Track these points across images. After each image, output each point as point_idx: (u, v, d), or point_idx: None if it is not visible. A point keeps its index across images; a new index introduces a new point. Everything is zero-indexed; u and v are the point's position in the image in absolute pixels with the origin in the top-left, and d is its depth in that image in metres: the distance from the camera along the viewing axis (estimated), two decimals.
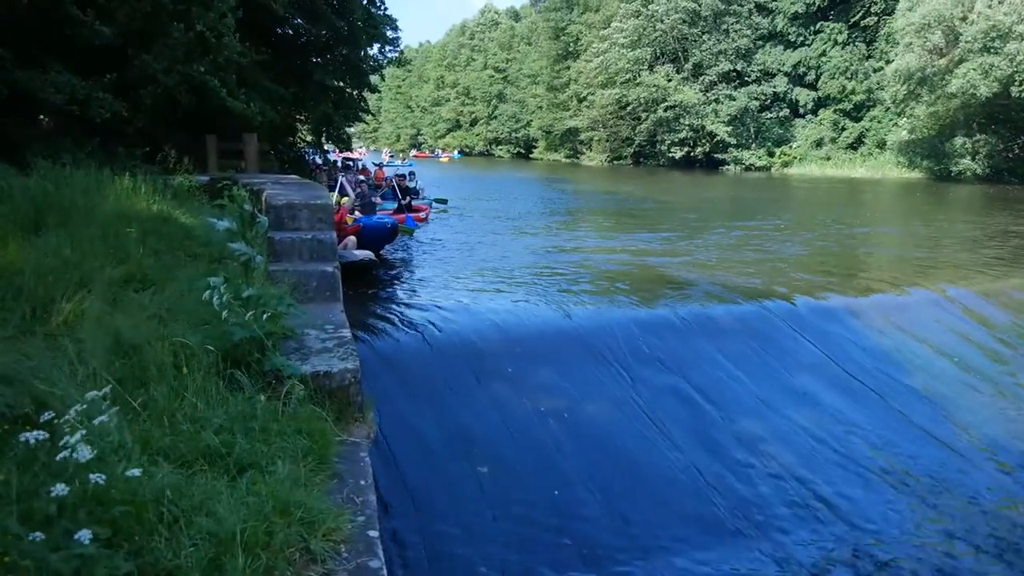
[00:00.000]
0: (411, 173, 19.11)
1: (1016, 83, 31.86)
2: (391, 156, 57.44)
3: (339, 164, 22.85)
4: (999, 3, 32.49)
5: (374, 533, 2.70)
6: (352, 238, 9.30)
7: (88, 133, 9.50)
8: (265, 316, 3.84)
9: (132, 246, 4.86)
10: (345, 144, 20.96)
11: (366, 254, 8.90)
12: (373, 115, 22.98)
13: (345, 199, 10.30)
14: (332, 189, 16.63)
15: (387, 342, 6.31)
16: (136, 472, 2.16)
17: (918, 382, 7.37)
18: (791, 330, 7.79)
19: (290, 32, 16.33)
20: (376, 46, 18.20)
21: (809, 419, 6.48)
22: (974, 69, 32.33)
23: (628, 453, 5.77)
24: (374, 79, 19.45)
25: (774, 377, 7.07)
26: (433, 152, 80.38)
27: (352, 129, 28.42)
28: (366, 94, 19.64)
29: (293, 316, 4.28)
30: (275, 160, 16.57)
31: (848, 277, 10.19)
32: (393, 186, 16.81)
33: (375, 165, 25.30)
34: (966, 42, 32.68)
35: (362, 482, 3.10)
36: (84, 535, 1.87)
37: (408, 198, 16.22)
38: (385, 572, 2.48)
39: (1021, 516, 5.54)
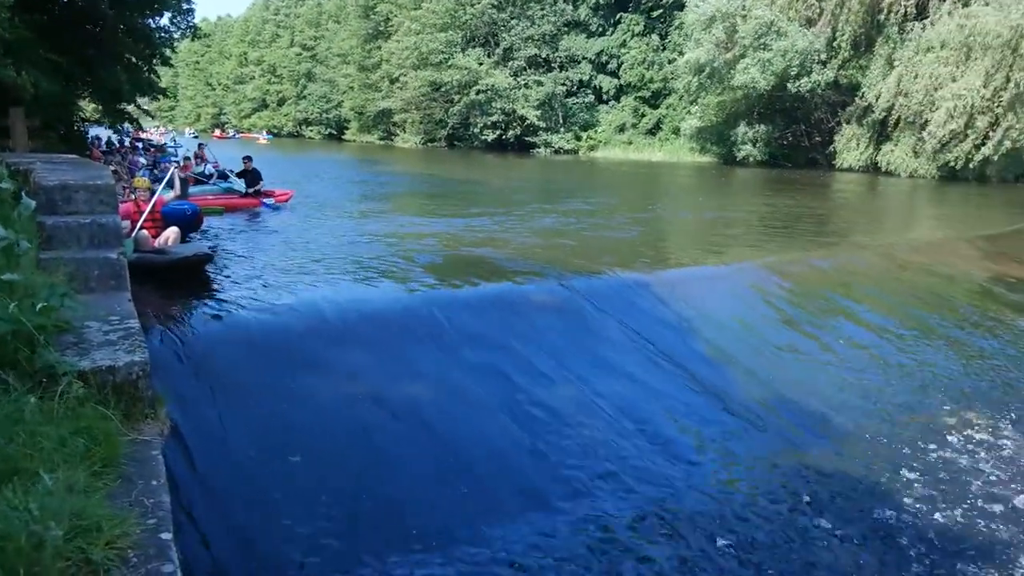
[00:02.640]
0: (187, 156, 17.78)
1: (791, 78, 35.36)
2: (195, 136, 53.86)
3: (127, 144, 20.99)
4: (771, 3, 35.84)
5: (167, 536, 2.51)
6: (175, 230, 8.23)
7: None
8: (36, 308, 3.45)
9: None
10: (135, 122, 19.28)
11: (197, 248, 7.74)
12: (166, 95, 21.02)
13: (140, 180, 8.98)
14: (131, 173, 15.20)
15: (188, 335, 5.89)
16: None
17: (711, 350, 7.97)
18: (597, 305, 8.14)
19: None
20: (167, 15, 16.87)
21: (615, 390, 6.82)
22: (752, 64, 35.47)
23: (447, 432, 5.78)
24: (167, 52, 18.00)
25: (583, 351, 7.35)
26: (228, 133, 75.96)
27: (146, 107, 26.22)
28: (159, 68, 18.18)
29: (70, 308, 3.88)
30: (52, 139, 14.93)
31: (649, 254, 10.83)
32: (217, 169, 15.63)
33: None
34: (741, 38, 35.76)
35: (154, 482, 2.88)
36: None
37: (260, 184, 14.90)
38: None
39: (803, 468, 6.15)
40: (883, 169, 33.95)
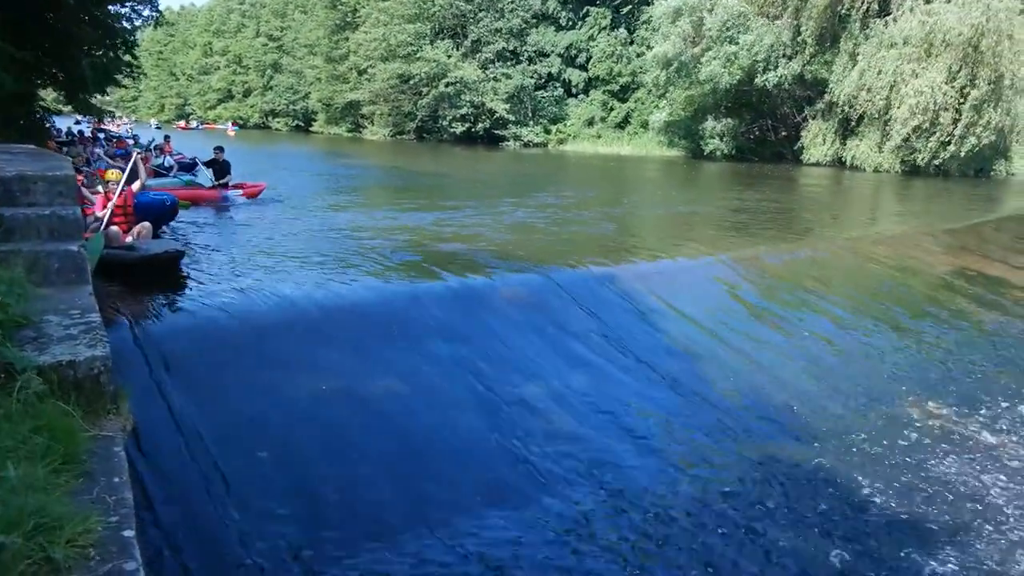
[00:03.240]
0: (151, 144, 17.41)
1: (757, 72, 35.68)
2: (157, 127, 53.17)
3: (87, 135, 20.52)
4: None
5: (130, 533, 2.46)
6: (147, 225, 7.98)
7: None
8: None
9: None
10: (96, 112, 18.81)
11: (169, 245, 7.58)
12: (133, 75, 20.17)
13: (112, 173, 8.69)
14: (88, 165, 14.85)
15: (153, 329, 5.80)
16: None
17: (680, 343, 8.03)
18: (565, 299, 8.17)
19: None
20: (129, 4, 16.50)
21: (583, 383, 6.85)
22: (717, 58, 35.73)
23: (415, 426, 5.77)
24: (129, 40, 17.57)
25: (553, 344, 7.38)
26: (191, 124, 74.70)
27: (108, 97, 25.66)
28: (123, 56, 17.73)
29: (28, 302, 3.79)
30: (11, 129, 14.56)
31: (619, 248, 10.88)
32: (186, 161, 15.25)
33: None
34: (707, 31, 36.00)
35: (116, 479, 2.82)
36: None
37: (228, 177, 14.55)
38: (142, 574, 2.27)
39: (769, 459, 6.22)
40: (848, 164, 34.42)
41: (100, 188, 8.42)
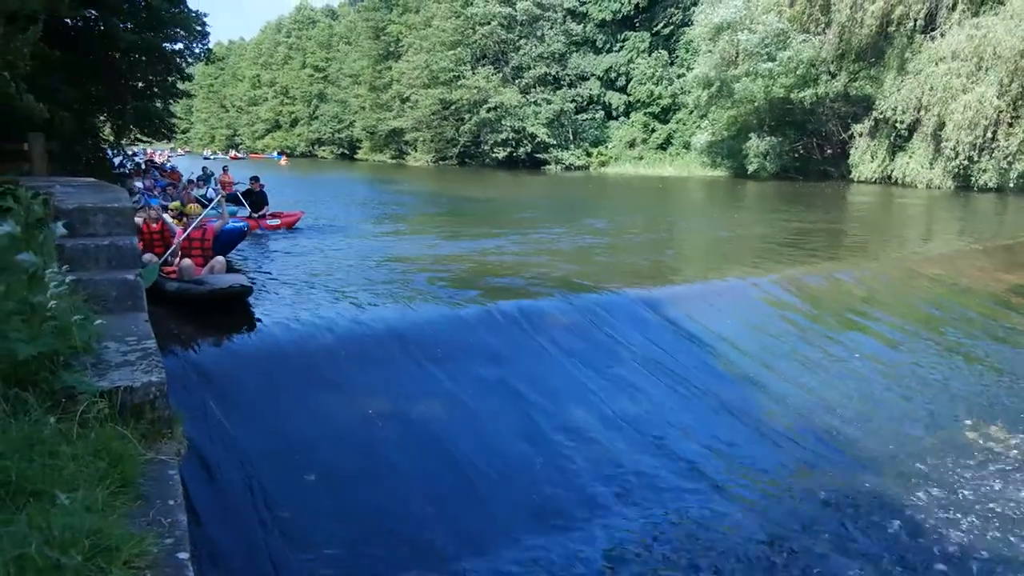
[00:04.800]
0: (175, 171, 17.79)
1: (796, 88, 35.32)
2: (207, 157, 54.73)
3: (142, 167, 21.14)
4: (779, 15, 35.87)
5: (184, 555, 2.51)
6: (221, 260, 8.04)
7: None
8: (55, 330, 3.48)
9: None
10: (167, 134, 19.24)
11: (236, 279, 7.36)
12: (173, 127, 20.46)
13: (192, 206, 8.72)
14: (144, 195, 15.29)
15: (205, 354, 5.94)
16: None
17: (727, 365, 7.92)
18: (610, 322, 8.12)
19: (80, 24, 14.88)
20: (181, 43, 17.03)
21: (628, 406, 6.79)
22: (749, 75, 35.46)
23: (459, 449, 5.78)
24: (183, 79, 18.14)
25: (598, 368, 7.33)
26: (239, 154, 76.52)
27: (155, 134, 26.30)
28: (174, 92, 18.30)
29: (89, 329, 3.91)
30: (73, 163, 15.10)
31: (665, 271, 10.83)
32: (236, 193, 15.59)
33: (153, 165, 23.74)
34: (745, 50, 35.80)
35: (171, 502, 2.88)
36: None
37: (265, 208, 14.78)
38: None
39: (821, 485, 6.07)
40: (898, 181, 33.75)
41: (167, 218, 8.70)
